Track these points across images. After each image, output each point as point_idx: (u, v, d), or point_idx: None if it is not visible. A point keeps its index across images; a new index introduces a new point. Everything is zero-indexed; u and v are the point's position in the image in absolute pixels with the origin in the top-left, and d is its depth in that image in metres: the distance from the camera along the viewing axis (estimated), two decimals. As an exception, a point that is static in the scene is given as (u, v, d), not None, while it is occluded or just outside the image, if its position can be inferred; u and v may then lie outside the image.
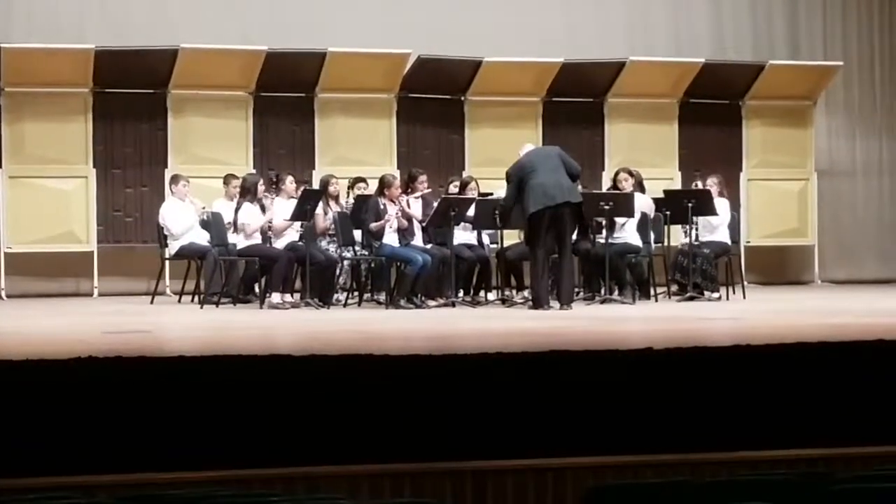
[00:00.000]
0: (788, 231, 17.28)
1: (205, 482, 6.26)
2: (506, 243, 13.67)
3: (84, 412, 6.79)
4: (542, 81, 16.35)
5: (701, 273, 13.89)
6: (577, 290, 14.12)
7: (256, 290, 13.82)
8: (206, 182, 14.83)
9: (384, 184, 13.41)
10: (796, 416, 7.44)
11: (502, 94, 16.24)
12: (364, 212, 13.35)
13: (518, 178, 12.59)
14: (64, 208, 15.16)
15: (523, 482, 6.84)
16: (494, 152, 14.83)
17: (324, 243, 13.43)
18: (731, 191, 15.47)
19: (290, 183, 13.46)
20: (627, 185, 13.94)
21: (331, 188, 13.71)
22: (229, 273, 13.72)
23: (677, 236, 14.32)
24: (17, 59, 14.90)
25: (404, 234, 13.31)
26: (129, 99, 15.49)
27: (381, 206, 13.22)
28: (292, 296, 13.16)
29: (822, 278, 17.39)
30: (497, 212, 13.23)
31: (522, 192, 12.51)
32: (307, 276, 12.98)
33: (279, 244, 13.20)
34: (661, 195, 14.32)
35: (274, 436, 6.91)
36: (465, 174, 15.17)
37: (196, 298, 13.77)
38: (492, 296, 13.80)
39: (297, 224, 13.09)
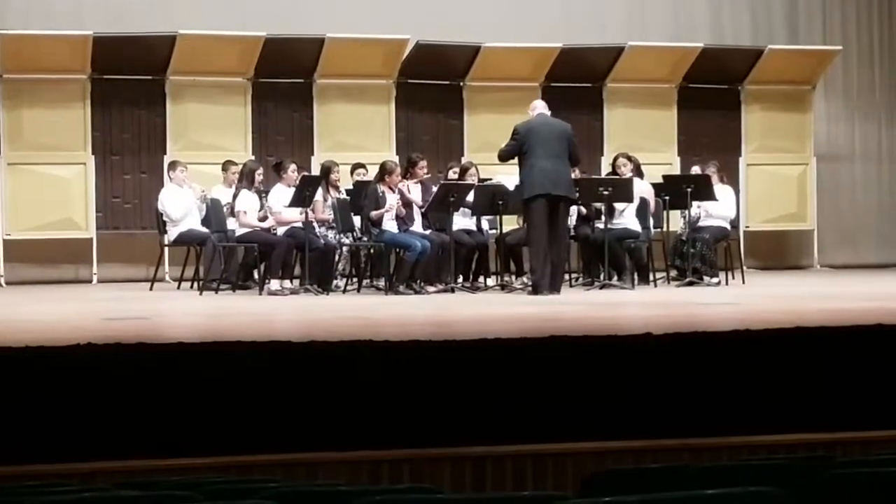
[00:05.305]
0: (787, 216, 17.28)
1: (204, 468, 6.26)
2: (505, 229, 13.67)
3: (83, 399, 6.79)
4: (540, 67, 16.34)
5: (700, 258, 13.89)
6: (576, 275, 14.18)
7: (256, 276, 13.82)
8: (204, 168, 14.82)
9: (385, 170, 13.39)
10: (796, 401, 7.44)
11: (501, 79, 16.24)
12: (363, 198, 13.34)
13: (522, 140, 12.58)
14: (63, 195, 15.15)
15: (523, 468, 6.84)
16: (493, 138, 14.75)
17: (322, 229, 13.41)
18: (730, 176, 15.46)
19: (291, 171, 13.41)
20: (626, 170, 13.94)
21: (333, 175, 13.69)
22: (228, 259, 13.72)
23: (676, 221, 14.31)
24: (15, 45, 14.89)
25: (404, 219, 13.30)
26: (128, 85, 15.48)
27: (380, 194, 13.21)
28: (291, 282, 13.15)
29: (822, 263, 17.39)
30: (496, 197, 13.25)
31: (521, 164, 12.54)
32: (306, 262, 12.97)
33: (279, 230, 13.19)
34: (660, 180, 14.33)
35: (273, 422, 6.91)
36: (463, 160, 15.18)
37: (195, 285, 13.78)
38: (491, 281, 13.80)
39: (300, 213, 13.04)
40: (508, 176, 13.63)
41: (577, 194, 13.08)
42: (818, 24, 17.92)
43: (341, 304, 12.01)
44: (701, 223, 14.11)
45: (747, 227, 16.88)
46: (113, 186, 15.45)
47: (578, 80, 16.59)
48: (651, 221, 14.01)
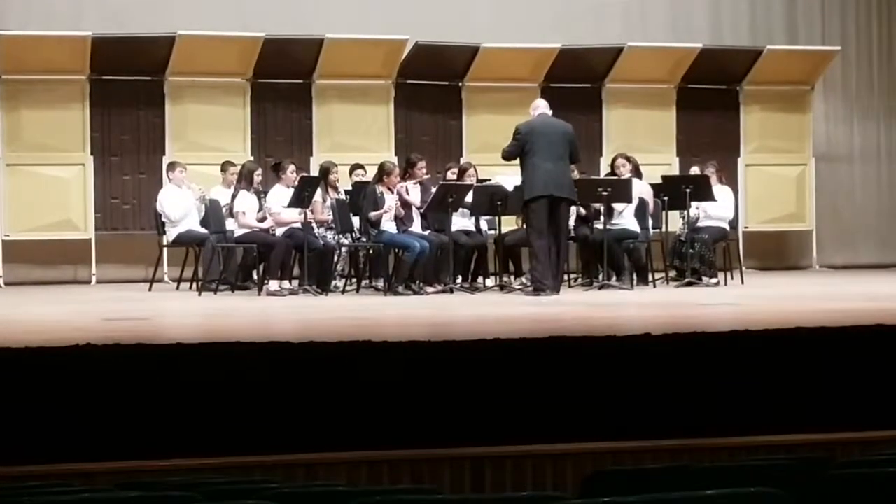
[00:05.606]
0: (786, 216, 17.29)
1: (204, 469, 6.27)
2: (504, 229, 13.67)
3: (83, 399, 6.79)
4: (539, 67, 16.34)
5: (699, 258, 13.89)
6: (575, 276, 14.20)
7: (254, 276, 13.82)
8: (203, 169, 14.81)
9: (383, 171, 13.40)
10: (795, 402, 7.44)
11: (500, 80, 16.24)
12: (362, 198, 13.34)
13: (524, 140, 12.57)
14: (62, 196, 15.15)
15: (522, 468, 6.84)
16: (492, 138, 14.79)
17: (321, 230, 13.41)
18: (729, 176, 15.47)
19: (290, 172, 13.41)
20: (625, 170, 13.94)
21: (331, 176, 13.69)
22: (227, 260, 13.72)
23: (675, 222, 14.31)
24: (14, 46, 14.88)
25: (402, 220, 13.31)
26: (127, 86, 15.48)
27: (379, 194, 13.21)
28: (290, 282, 13.15)
29: (820, 263, 17.39)
30: (495, 197, 13.25)
31: (523, 165, 12.54)
32: (305, 262, 12.97)
33: (278, 231, 13.19)
34: (659, 181, 14.33)
35: (272, 422, 6.91)
36: (462, 160, 15.19)
37: (194, 285, 13.77)
38: (490, 282, 13.79)
39: (299, 214, 13.03)
40: (507, 176, 13.64)
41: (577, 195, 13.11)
42: (817, 25, 17.91)
43: (340, 304, 12.01)
44: (700, 223, 14.11)
45: (746, 227, 16.88)
46: (112, 187, 15.45)
47: (577, 81, 16.59)
48: (650, 222, 14.01)
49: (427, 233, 13.38)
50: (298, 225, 13.03)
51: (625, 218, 13.68)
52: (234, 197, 13.45)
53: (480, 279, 13.83)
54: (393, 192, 13.29)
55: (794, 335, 7.83)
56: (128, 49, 15.12)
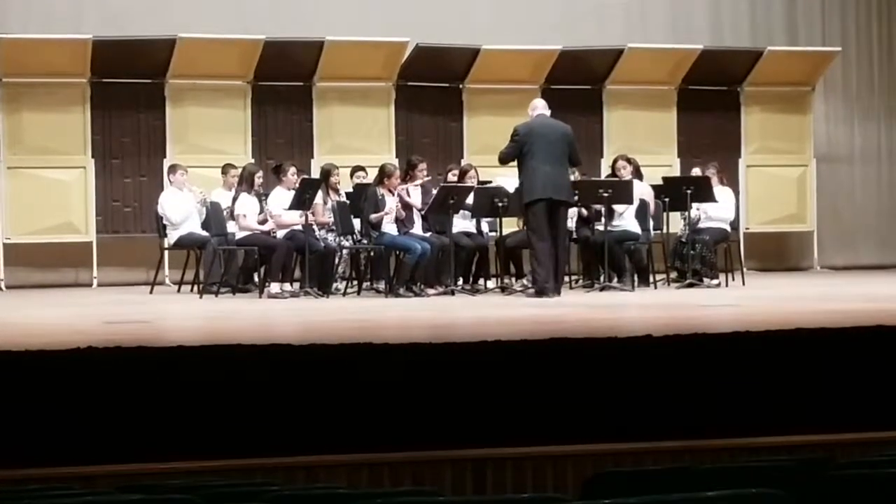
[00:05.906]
0: (787, 217, 17.28)
1: (205, 472, 6.27)
2: (505, 231, 13.67)
3: (84, 402, 6.79)
4: (540, 69, 16.35)
5: (700, 260, 13.90)
6: (576, 277, 14.20)
7: (256, 279, 13.82)
8: (204, 172, 14.82)
9: (384, 173, 13.40)
10: (796, 403, 7.44)
11: (501, 81, 16.24)
12: (363, 200, 13.35)
13: (522, 142, 12.56)
14: (63, 199, 15.15)
15: (523, 470, 6.85)
16: (493, 140, 14.77)
17: (322, 232, 13.42)
18: (730, 177, 15.46)
19: (291, 174, 13.41)
20: (626, 172, 13.95)
21: (332, 178, 13.70)
22: (228, 262, 13.72)
23: (676, 223, 14.31)
24: (15, 49, 14.89)
25: (403, 222, 13.31)
26: (128, 89, 15.48)
27: (380, 197, 13.21)
28: (291, 285, 13.16)
29: (821, 264, 17.39)
30: (496, 199, 13.24)
31: (521, 167, 12.53)
32: (306, 265, 12.97)
33: (279, 233, 13.20)
34: (660, 182, 14.33)
35: (273, 425, 6.91)
36: (463, 162, 15.19)
37: (195, 288, 13.77)
38: (491, 283, 13.80)
39: (300, 216, 13.04)
40: (508, 178, 13.63)
41: (577, 196, 13.12)
42: (817, 26, 17.92)
43: (341, 306, 12.01)
44: (701, 225, 14.12)
45: (747, 228, 16.88)
46: (113, 190, 15.45)
47: (578, 83, 16.59)
48: (651, 223, 14.02)
49: (428, 235, 13.38)
50: (299, 227, 13.04)
51: (626, 219, 13.68)
52: (234, 199, 13.46)
53: (481, 281, 13.84)
54: (394, 194, 13.29)
55: (794, 336, 7.83)
56: (128, 52, 15.13)
